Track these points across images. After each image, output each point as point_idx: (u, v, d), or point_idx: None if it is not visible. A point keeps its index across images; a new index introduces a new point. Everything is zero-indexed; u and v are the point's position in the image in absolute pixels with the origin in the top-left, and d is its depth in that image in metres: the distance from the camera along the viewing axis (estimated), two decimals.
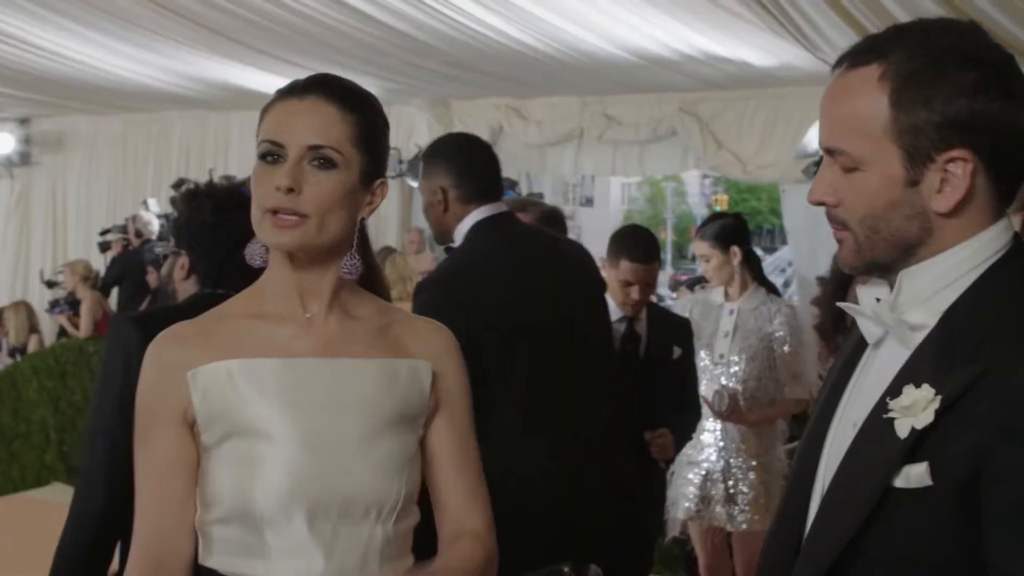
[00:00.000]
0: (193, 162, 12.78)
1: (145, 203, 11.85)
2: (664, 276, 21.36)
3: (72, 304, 10.66)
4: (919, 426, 1.57)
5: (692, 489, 5.21)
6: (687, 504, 5.22)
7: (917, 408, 1.58)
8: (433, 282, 3.47)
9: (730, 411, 5.07)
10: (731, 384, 5.13)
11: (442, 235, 3.58)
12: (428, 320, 2.19)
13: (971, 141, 1.64)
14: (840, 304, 1.88)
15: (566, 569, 3.00)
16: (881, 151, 1.67)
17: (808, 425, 1.88)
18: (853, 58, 1.71)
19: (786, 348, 5.19)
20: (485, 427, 3.30)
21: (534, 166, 10.91)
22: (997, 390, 1.54)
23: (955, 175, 1.65)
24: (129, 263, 10.95)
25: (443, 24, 8.85)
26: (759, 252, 5.65)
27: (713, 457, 5.20)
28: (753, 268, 5.25)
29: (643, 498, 3.67)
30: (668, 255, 37.75)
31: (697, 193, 41.33)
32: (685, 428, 4.64)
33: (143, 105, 12.60)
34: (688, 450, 4.94)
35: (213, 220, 3.16)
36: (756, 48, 8.94)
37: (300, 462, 1.90)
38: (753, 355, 5.13)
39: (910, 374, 1.63)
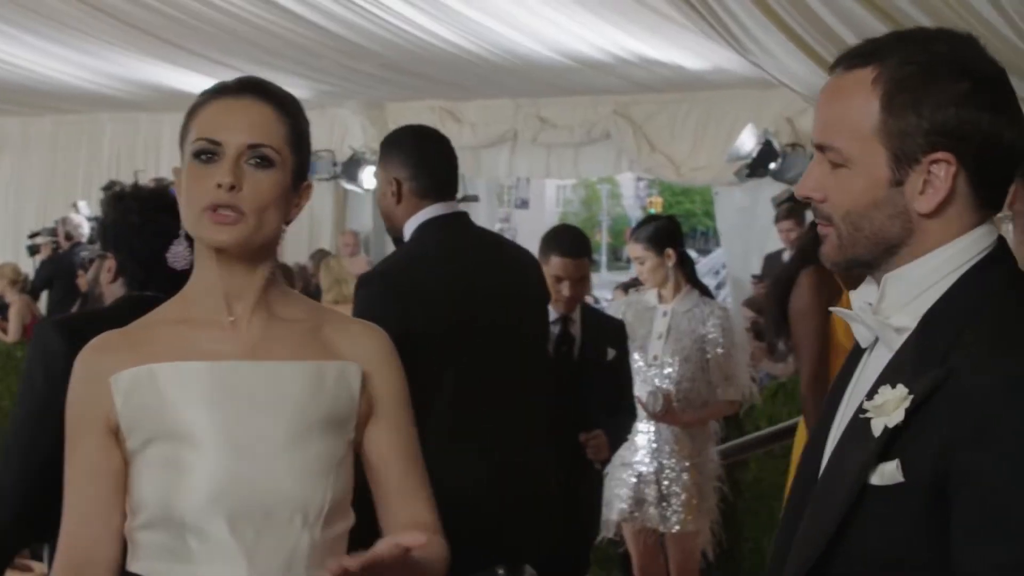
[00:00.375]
0: (124, 164, 12.65)
1: (75, 205, 11.71)
2: (599, 278, 21.46)
3: (1, 308, 10.52)
4: (891, 424, 1.61)
5: (625, 491, 5.24)
6: (621, 505, 5.24)
7: (889, 407, 1.62)
8: (376, 274, 3.45)
9: (664, 412, 5.10)
10: (664, 386, 5.16)
11: (392, 227, 3.52)
12: (363, 323, 2.17)
13: (956, 147, 1.68)
14: (833, 309, 1.91)
15: (501, 572, 3.01)
16: (868, 151, 1.71)
17: (814, 426, 1.91)
18: (849, 60, 1.76)
19: (719, 350, 5.23)
20: (420, 423, 3.31)
21: (469, 168, 10.91)
22: (958, 392, 1.58)
23: (937, 177, 1.69)
24: (59, 266, 10.82)
25: (377, 27, 8.83)
26: (693, 254, 5.69)
27: (646, 459, 5.23)
28: (686, 270, 5.29)
29: (576, 502, 3.67)
30: (603, 257, 37.86)
31: (632, 195, 41.51)
32: (619, 429, 4.65)
33: (74, 107, 12.46)
34: (622, 451, 4.96)
35: (140, 221, 3.13)
36: (688, 51, 9.01)
37: (223, 466, 1.89)
38: (686, 357, 5.17)
39: (889, 375, 1.67)
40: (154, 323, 2.02)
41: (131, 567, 1.94)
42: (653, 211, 27.60)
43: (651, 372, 5.21)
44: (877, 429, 1.63)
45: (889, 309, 1.73)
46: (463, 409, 3.35)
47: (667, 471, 5.19)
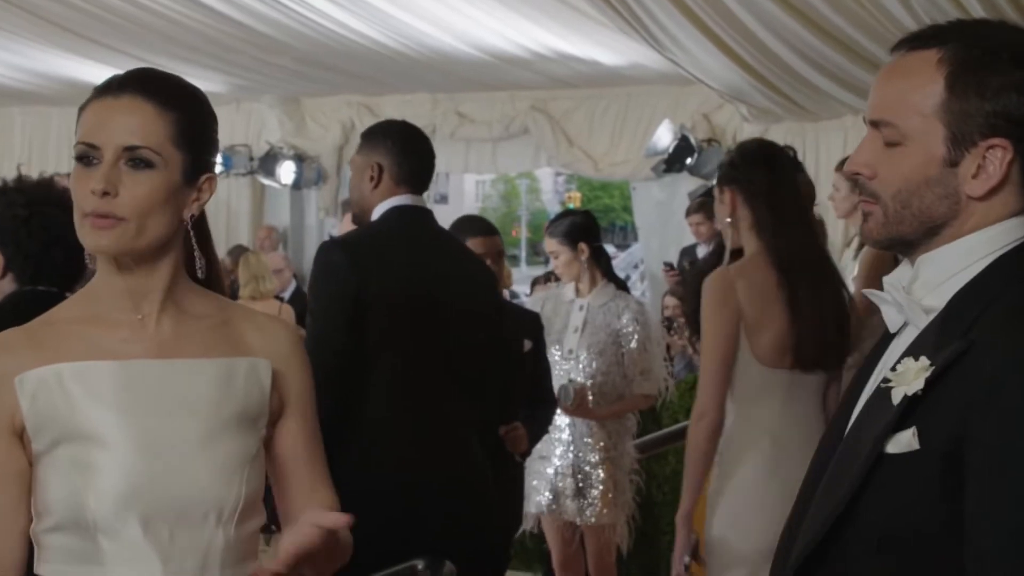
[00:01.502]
0: (36, 158, 12.43)
1: None
2: (518, 273, 21.51)
3: None
4: (910, 392, 1.65)
5: (543, 483, 5.26)
6: (538, 498, 5.27)
7: (909, 376, 1.66)
8: (338, 242, 3.59)
9: (576, 406, 5.13)
10: (579, 379, 5.19)
11: (363, 212, 3.64)
12: (271, 317, 2.17)
13: (1015, 133, 1.72)
14: (865, 291, 1.94)
15: (420, 566, 3.01)
16: (927, 129, 1.74)
17: (837, 407, 1.93)
18: (913, 42, 1.79)
19: (633, 344, 5.27)
20: (361, 396, 3.34)
21: None
22: (975, 363, 1.62)
23: (992, 162, 1.73)
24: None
25: (294, 21, 8.77)
26: (611, 249, 5.75)
27: (563, 452, 5.26)
28: (602, 265, 5.33)
29: (496, 494, 3.70)
30: (523, 252, 37.93)
31: (551, 190, 41.58)
32: (539, 422, 4.69)
33: None
34: (539, 445, 4.98)
35: (26, 214, 3.09)
36: (606, 47, 9.06)
37: (133, 467, 1.86)
38: (601, 350, 5.20)
39: (913, 351, 1.71)
40: (58, 321, 1.97)
41: (39, 570, 1.91)
42: (572, 206, 27.72)
43: (567, 365, 5.24)
44: (896, 398, 1.66)
45: (921, 290, 1.77)
46: (402, 388, 3.42)
47: (583, 464, 5.22)
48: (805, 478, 1.89)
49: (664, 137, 9.67)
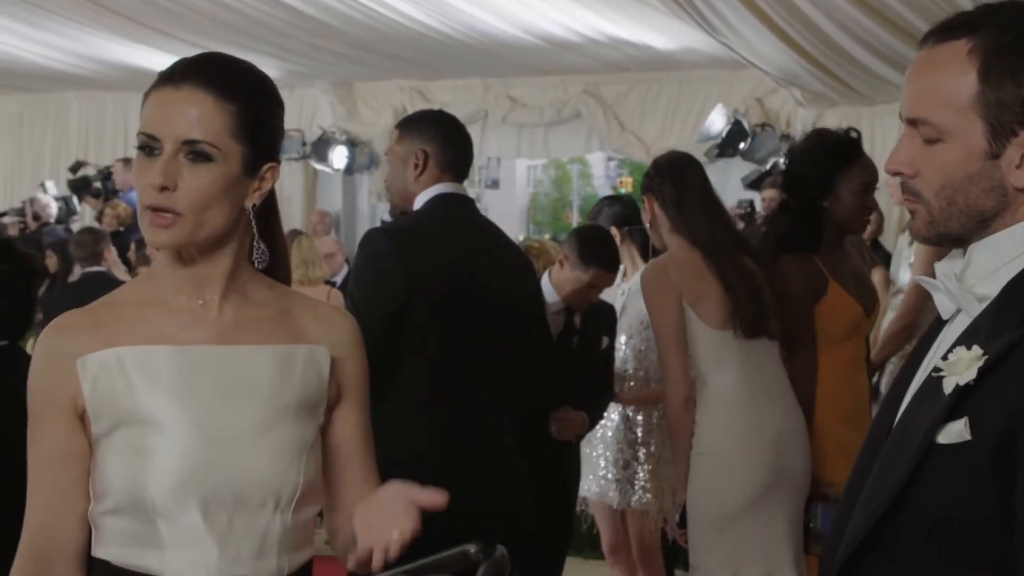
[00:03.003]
0: (92, 144, 12.57)
1: (43, 186, 11.62)
2: None
3: None
4: (962, 382, 1.62)
5: (588, 468, 5.24)
6: (584, 484, 5.25)
7: (962, 366, 1.63)
8: (383, 229, 3.56)
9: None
10: (618, 364, 5.16)
11: (404, 201, 3.61)
12: (331, 306, 2.16)
13: None
14: (917, 278, 1.91)
15: (473, 550, 3.02)
16: (965, 123, 1.69)
17: (886, 394, 1.91)
18: (941, 33, 1.73)
19: None
20: (393, 389, 3.34)
21: None
22: None
23: None
24: (27, 246, 10.73)
25: (346, 6, 8.80)
26: None
27: (605, 436, 5.24)
28: (640, 249, 5.31)
29: (528, 483, 3.69)
30: None
31: (602, 175, 41.46)
32: (600, 408, 4.72)
33: (39, 86, 12.35)
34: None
35: None
36: (659, 32, 9.01)
37: (192, 452, 1.86)
38: (631, 335, 5.17)
39: (966, 340, 1.67)
40: (121, 304, 1.98)
41: (96, 552, 1.92)
42: (623, 191, 27.60)
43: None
44: (948, 387, 1.63)
45: (974, 277, 1.73)
46: (438, 377, 3.41)
47: (626, 449, 5.20)
48: (855, 466, 1.87)
49: (717, 122, 9.61)
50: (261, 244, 1.97)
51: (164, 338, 1.92)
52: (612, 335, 4.80)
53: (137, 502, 1.87)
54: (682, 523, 3.91)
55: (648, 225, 4.12)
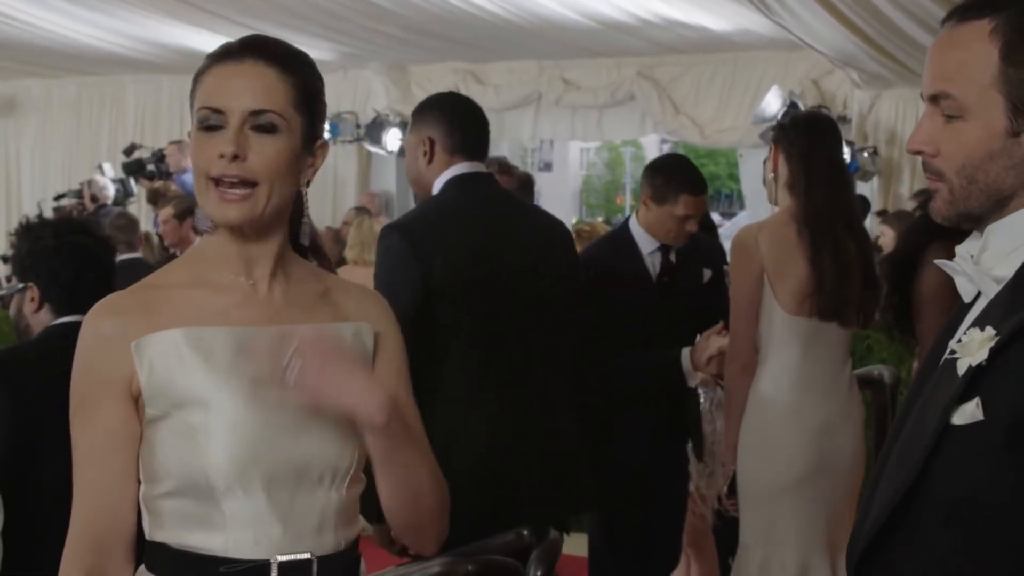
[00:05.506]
0: (148, 126, 12.67)
1: (100, 167, 11.73)
2: None
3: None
4: (974, 363, 1.62)
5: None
6: None
7: (974, 347, 1.63)
8: (397, 226, 3.47)
9: None
10: None
11: (422, 189, 3.57)
12: (362, 287, 2.16)
13: None
14: (937, 262, 1.91)
15: (525, 533, 3.02)
16: (987, 101, 1.70)
17: (913, 377, 1.90)
18: (963, 13, 1.75)
19: None
20: (436, 380, 3.33)
21: (492, 131, 10.87)
22: None
23: None
24: None
25: None
26: (717, 217, 5.68)
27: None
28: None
29: (586, 456, 3.69)
30: None
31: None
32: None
33: (96, 69, 12.47)
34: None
35: (55, 244, 3.17)
36: (714, 13, 8.96)
37: (251, 432, 1.87)
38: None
39: (980, 321, 1.68)
40: (168, 285, 1.97)
41: (153, 536, 1.93)
42: None
43: None
44: (961, 368, 1.64)
45: (991, 260, 1.73)
46: (482, 362, 3.38)
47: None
48: (882, 450, 1.87)
49: (772, 104, 9.54)
50: (311, 221, 2.00)
51: (217, 319, 1.92)
52: (715, 266, 4.59)
53: (197, 484, 1.87)
54: (731, 492, 3.92)
55: (766, 177, 4.00)
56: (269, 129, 1.89)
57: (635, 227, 4.30)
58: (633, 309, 4.18)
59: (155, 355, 1.89)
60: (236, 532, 1.88)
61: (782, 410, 3.82)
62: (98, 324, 1.93)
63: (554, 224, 3.74)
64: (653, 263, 4.27)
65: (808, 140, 3.83)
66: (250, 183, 1.88)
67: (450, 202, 3.44)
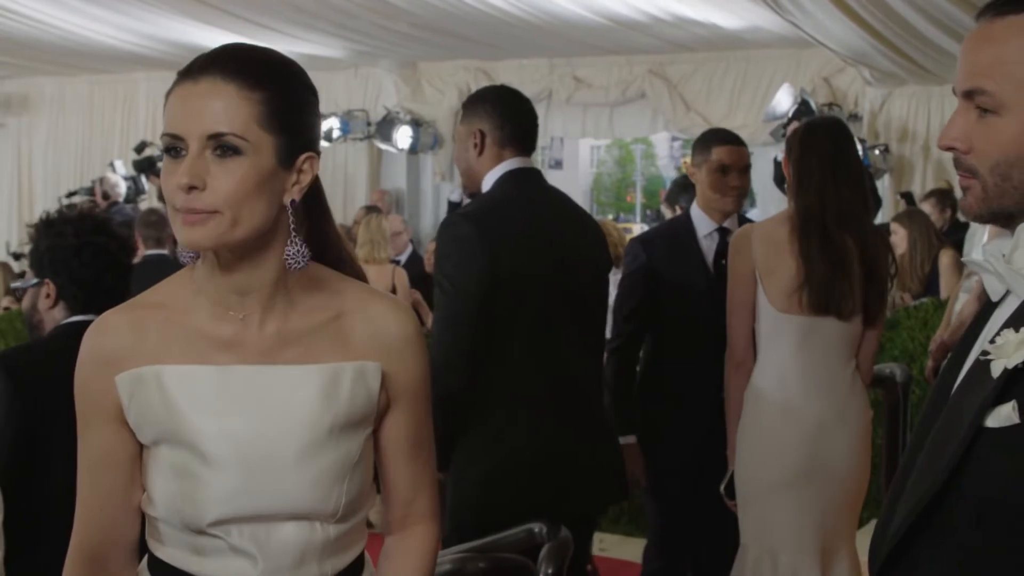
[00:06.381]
0: (160, 124, 12.57)
1: (112, 165, 11.76)
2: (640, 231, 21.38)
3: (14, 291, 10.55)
4: (1010, 365, 1.60)
5: None
6: None
7: (1010, 349, 1.60)
8: (464, 215, 3.50)
9: None
10: None
11: (471, 182, 3.62)
12: (387, 301, 2.00)
13: None
14: (966, 259, 1.89)
15: (537, 530, 3.02)
16: (1023, 97, 1.67)
17: (938, 378, 1.89)
18: (1000, 7, 1.72)
19: None
20: (489, 373, 3.35)
21: None
22: None
23: None
24: None
25: None
26: None
27: None
28: None
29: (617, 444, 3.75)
30: (637, 218, 37.69)
31: (667, 155, 41.18)
32: None
33: (108, 67, 12.49)
34: None
35: (77, 243, 3.16)
36: (725, 10, 8.94)
37: (234, 482, 1.82)
38: None
39: (1014, 321, 1.65)
40: (164, 306, 1.90)
41: (155, 551, 1.92)
42: (686, 171, 27.42)
43: None
44: (996, 371, 1.61)
45: (1023, 258, 1.71)
46: (534, 359, 3.42)
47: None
48: (908, 448, 1.85)
49: (784, 101, 9.52)
50: (297, 241, 1.83)
51: (203, 355, 1.85)
52: None
53: (179, 519, 1.85)
54: (729, 493, 3.92)
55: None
56: (230, 152, 1.75)
57: (694, 209, 4.34)
58: (686, 290, 4.19)
59: (137, 391, 1.84)
60: (213, 561, 1.86)
61: (776, 409, 3.82)
62: (92, 343, 1.89)
63: (592, 223, 3.84)
64: (709, 246, 4.27)
65: (801, 143, 3.88)
66: (211, 212, 1.76)
67: (510, 198, 3.50)
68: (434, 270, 3.52)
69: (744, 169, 4.31)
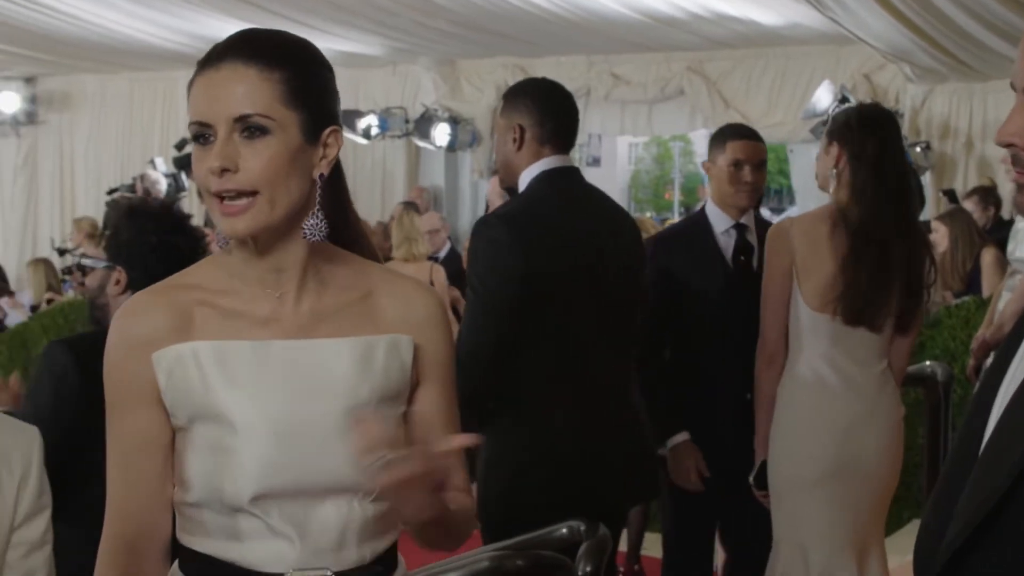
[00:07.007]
0: None
1: (152, 162, 11.85)
2: None
3: (80, 267, 10.66)
4: None
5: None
6: None
7: None
8: (498, 217, 3.50)
9: None
10: None
11: (509, 175, 3.60)
12: (415, 283, 2.06)
13: None
14: (1010, 257, 1.86)
15: (577, 528, 3.03)
16: None
17: (982, 376, 1.85)
18: None
19: None
20: (518, 374, 3.34)
21: None
22: None
23: None
24: None
25: None
26: (766, 212, 5.65)
27: None
28: None
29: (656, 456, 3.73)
30: (675, 216, 37.62)
31: (704, 153, 40.97)
32: None
33: (149, 64, 12.57)
34: None
35: (155, 241, 3.20)
36: (764, 7, 8.90)
37: (270, 452, 1.82)
38: None
39: None
40: (194, 287, 1.92)
41: (183, 540, 1.91)
42: None
43: None
44: None
45: None
46: (562, 358, 3.41)
47: None
48: (952, 451, 1.81)
49: (824, 98, 9.47)
50: (318, 214, 1.87)
51: (240, 332, 1.87)
52: None
53: (216, 496, 1.84)
54: (759, 483, 3.90)
55: (821, 169, 3.90)
56: (258, 132, 1.80)
57: (709, 206, 4.27)
58: (705, 288, 4.14)
59: (175, 367, 1.85)
60: (253, 545, 1.85)
61: (808, 405, 3.81)
62: (123, 327, 1.90)
63: (629, 222, 3.80)
64: (727, 242, 4.21)
65: (877, 145, 3.78)
66: (249, 193, 1.80)
67: (544, 198, 3.48)
68: (467, 269, 3.52)
69: (759, 165, 4.23)
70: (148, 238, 3.21)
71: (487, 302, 3.34)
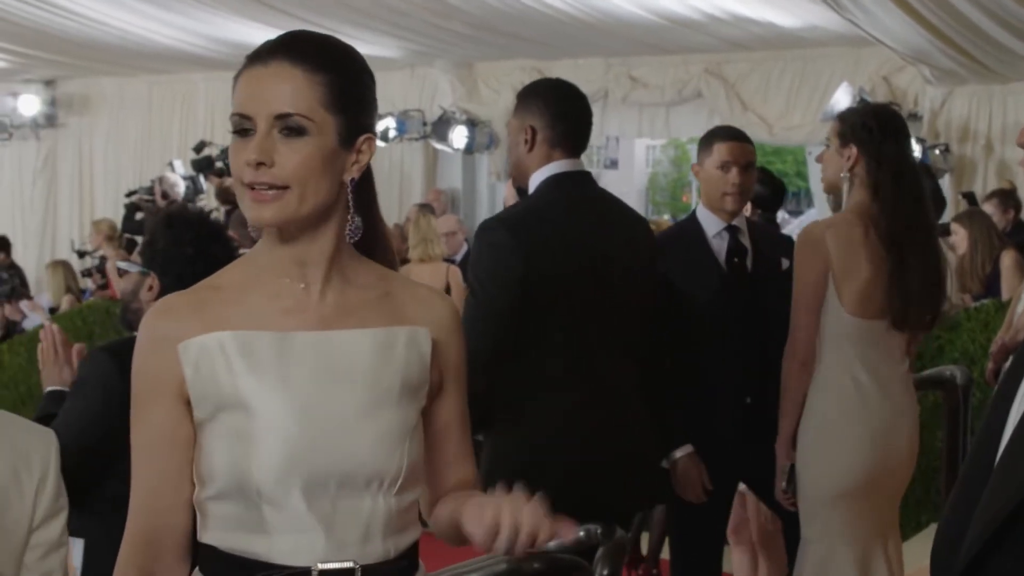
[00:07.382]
0: (218, 124, 12.79)
1: (171, 165, 11.88)
2: None
3: (100, 269, 10.70)
4: None
5: None
6: None
7: None
8: (500, 220, 3.51)
9: None
10: None
11: (520, 176, 3.60)
12: (431, 288, 2.12)
13: None
14: None
15: (594, 531, 3.02)
16: None
17: (1000, 379, 1.85)
18: None
19: None
20: (522, 378, 3.34)
21: None
22: None
23: None
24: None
25: None
26: (784, 215, 5.63)
27: None
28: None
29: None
30: None
31: None
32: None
33: (167, 67, 12.62)
34: None
35: (193, 252, 3.23)
36: (782, 9, 8.89)
37: (294, 438, 1.86)
38: None
39: None
40: (221, 287, 1.97)
41: (203, 538, 1.93)
42: None
43: None
44: None
45: None
46: (567, 361, 3.41)
47: None
48: (970, 455, 1.80)
49: (842, 100, 9.44)
50: (356, 218, 1.94)
51: (266, 323, 1.91)
52: (792, 259, 4.34)
53: (242, 487, 1.86)
54: (788, 486, 3.89)
55: (831, 171, 3.91)
56: (296, 132, 1.86)
57: (700, 209, 4.24)
58: (700, 292, 4.11)
59: (201, 357, 1.88)
60: (278, 538, 1.87)
61: (842, 409, 3.80)
62: (151, 325, 1.94)
63: (641, 225, 3.78)
64: (720, 245, 4.18)
65: (896, 146, 3.80)
66: (280, 187, 1.86)
67: (550, 202, 3.47)
68: (469, 272, 3.52)
69: (747, 166, 4.19)
70: (185, 249, 3.26)
71: (486, 307, 3.33)
